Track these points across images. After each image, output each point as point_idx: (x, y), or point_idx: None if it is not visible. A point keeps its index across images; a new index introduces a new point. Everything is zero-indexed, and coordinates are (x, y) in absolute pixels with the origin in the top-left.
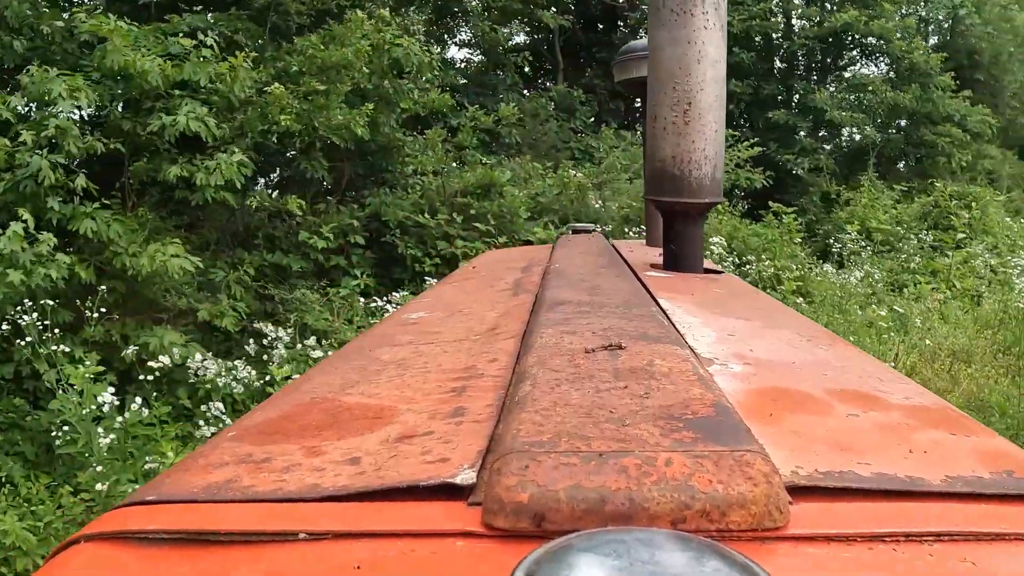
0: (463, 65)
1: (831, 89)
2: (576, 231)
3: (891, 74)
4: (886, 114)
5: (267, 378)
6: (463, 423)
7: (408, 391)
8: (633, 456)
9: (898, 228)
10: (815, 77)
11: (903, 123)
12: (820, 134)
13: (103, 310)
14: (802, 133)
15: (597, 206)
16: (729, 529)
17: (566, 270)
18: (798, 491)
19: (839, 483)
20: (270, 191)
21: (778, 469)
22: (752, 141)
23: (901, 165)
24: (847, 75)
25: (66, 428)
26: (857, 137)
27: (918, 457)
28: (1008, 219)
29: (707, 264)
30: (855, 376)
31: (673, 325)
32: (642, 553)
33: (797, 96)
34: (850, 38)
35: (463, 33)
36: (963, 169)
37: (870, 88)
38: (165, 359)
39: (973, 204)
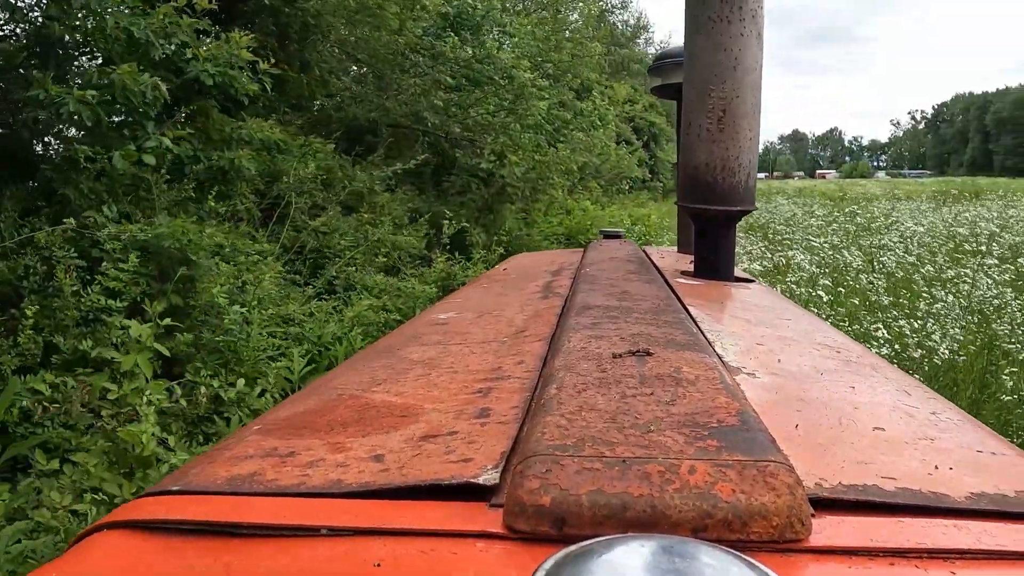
0: None
1: None
2: (606, 236)
3: None
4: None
5: None
6: (488, 424)
7: (434, 390)
8: (656, 463)
9: None
10: None
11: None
12: None
13: None
14: None
15: None
16: (750, 539)
17: (596, 275)
18: (821, 504)
19: (862, 497)
20: None
21: (801, 481)
22: None
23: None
24: None
25: None
26: None
27: (943, 473)
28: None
29: (738, 272)
30: (882, 390)
31: (702, 332)
32: (662, 560)
33: None
34: None
35: None
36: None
37: None
38: None
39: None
